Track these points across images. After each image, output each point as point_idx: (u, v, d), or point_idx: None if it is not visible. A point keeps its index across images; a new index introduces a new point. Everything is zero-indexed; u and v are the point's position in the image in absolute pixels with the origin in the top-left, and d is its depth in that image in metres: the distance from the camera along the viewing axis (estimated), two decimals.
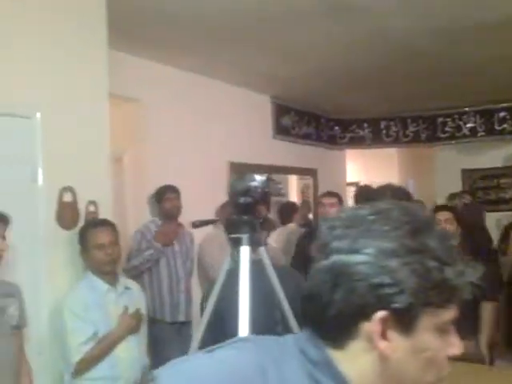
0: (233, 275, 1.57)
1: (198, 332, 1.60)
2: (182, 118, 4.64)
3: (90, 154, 2.76)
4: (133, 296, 2.68)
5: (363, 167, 8.10)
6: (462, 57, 4.66)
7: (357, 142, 7.26)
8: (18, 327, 2.22)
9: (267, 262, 1.53)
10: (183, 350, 3.94)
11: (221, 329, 1.63)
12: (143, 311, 2.71)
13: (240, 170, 5.44)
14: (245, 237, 1.49)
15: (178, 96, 4.58)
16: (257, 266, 1.53)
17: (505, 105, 6.68)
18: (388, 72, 5.05)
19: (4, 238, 2.14)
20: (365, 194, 3.89)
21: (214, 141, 5.00)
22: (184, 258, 4.02)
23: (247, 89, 5.48)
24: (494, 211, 6.65)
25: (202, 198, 4.56)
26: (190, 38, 3.88)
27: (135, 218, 4.17)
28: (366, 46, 4.27)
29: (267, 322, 1.51)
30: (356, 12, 3.53)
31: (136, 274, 3.61)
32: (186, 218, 4.12)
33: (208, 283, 2.54)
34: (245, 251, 1.48)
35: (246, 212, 1.50)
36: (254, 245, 1.51)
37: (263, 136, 5.84)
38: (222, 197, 5.05)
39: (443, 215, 2.94)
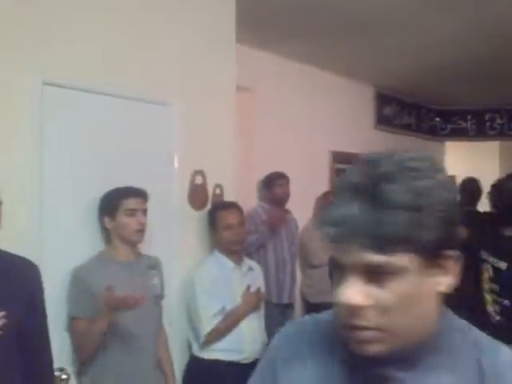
0: None
1: None
2: (289, 106, 4.74)
3: (218, 141, 2.93)
4: (255, 276, 2.82)
5: (462, 160, 7.82)
6: None
7: (459, 134, 7.05)
8: (160, 298, 2.42)
9: None
10: None
11: None
12: (263, 290, 2.84)
13: (341, 160, 5.48)
14: None
15: (285, 85, 4.69)
16: None
17: None
18: (499, 64, 4.87)
19: (145, 212, 2.33)
20: None
21: (316, 129, 5.07)
22: (289, 243, 4.14)
23: (351, 78, 5.48)
24: None
25: (304, 186, 4.64)
26: (301, 28, 3.95)
27: (243, 202, 4.32)
28: (481, 37, 4.15)
29: None
30: (471, 4, 3.45)
31: None
32: (287, 204, 4.24)
33: None
34: None
35: None
36: None
37: (364, 126, 5.83)
38: (323, 185, 5.14)
39: None
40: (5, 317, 1.54)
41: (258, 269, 2.92)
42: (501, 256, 2.18)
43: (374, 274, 0.72)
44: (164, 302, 2.59)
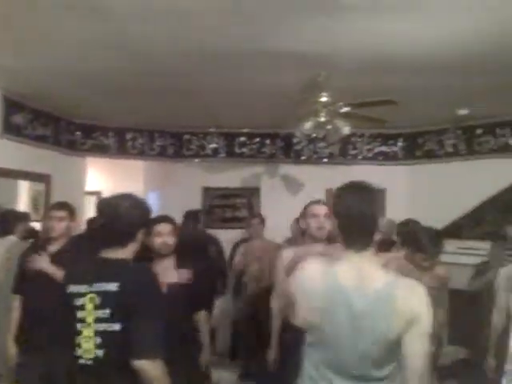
0: None
1: None
2: None
3: None
4: None
5: (108, 176, 7.65)
6: (208, 81, 4.69)
7: (100, 150, 6.86)
8: None
9: None
10: None
11: None
12: None
13: None
14: None
15: None
16: None
17: (245, 130, 7.08)
18: (128, 83, 4.81)
19: None
20: None
21: None
22: None
23: None
24: (229, 228, 6.95)
25: None
26: None
27: None
28: (105, 51, 3.94)
29: None
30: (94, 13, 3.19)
31: None
32: None
33: None
34: None
35: None
36: None
37: None
38: None
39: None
40: None
41: None
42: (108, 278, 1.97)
43: None
44: None
